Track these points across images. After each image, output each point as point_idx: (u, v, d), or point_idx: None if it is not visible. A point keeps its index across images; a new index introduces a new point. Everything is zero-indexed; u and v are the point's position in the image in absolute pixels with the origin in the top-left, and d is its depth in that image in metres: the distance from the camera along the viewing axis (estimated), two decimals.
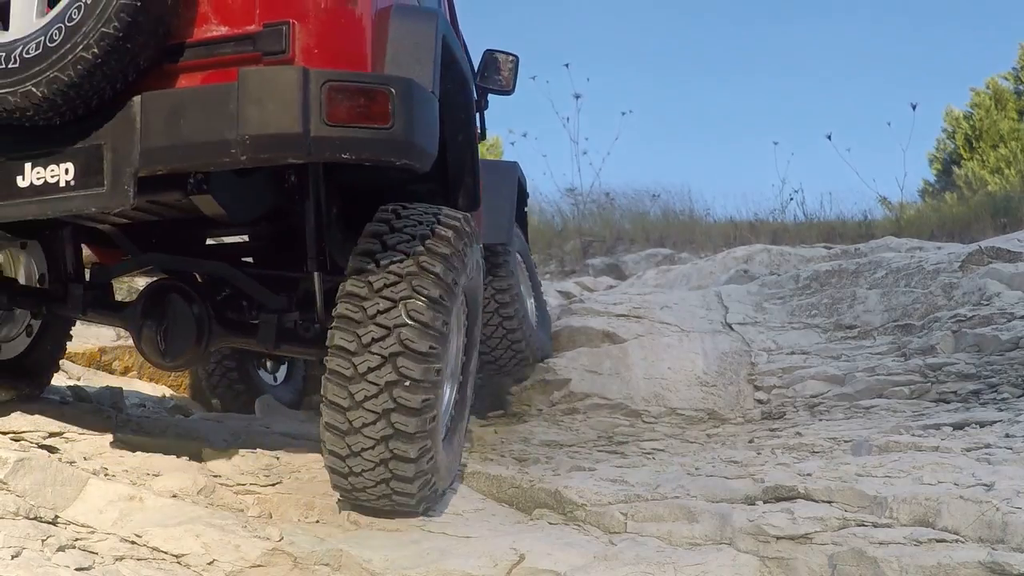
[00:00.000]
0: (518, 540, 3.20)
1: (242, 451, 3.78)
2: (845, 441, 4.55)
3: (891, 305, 6.58)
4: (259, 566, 2.90)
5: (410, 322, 2.87)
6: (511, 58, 4.93)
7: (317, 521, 3.28)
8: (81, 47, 2.54)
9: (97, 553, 2.77)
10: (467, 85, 3.60)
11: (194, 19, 2.75)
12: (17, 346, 3.82)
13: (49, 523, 2.88)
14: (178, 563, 2.85)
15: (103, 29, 2.54)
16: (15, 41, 2.60)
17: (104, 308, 3.73)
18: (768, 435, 4.99)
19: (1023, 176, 14.39)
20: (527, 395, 5.97)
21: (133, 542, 2.90)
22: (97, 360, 5.72)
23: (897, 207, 13.33)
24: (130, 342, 5.78)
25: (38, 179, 2.70)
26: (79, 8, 2.53)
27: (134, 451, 3.55)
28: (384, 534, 3.21)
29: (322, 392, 3.00)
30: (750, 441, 4.90)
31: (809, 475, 3.66)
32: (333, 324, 2.94)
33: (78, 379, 5.32)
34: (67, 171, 2.68)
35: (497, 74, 4.94)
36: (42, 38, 2.57)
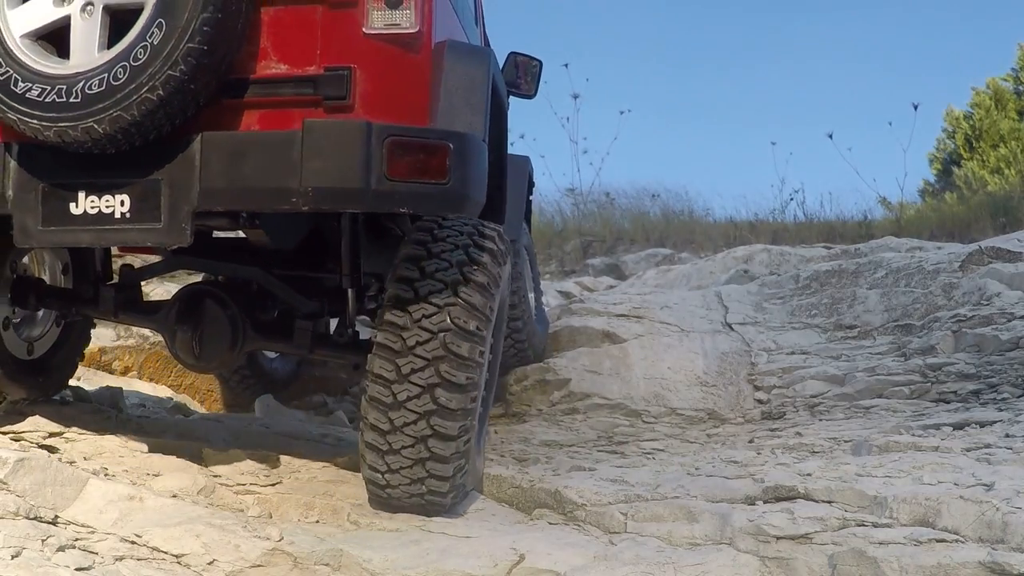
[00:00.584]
0: (518, 540, 3.20)
1: (242, 451, 3.78)
2: (845, 441, 4.55)
3: (891, 305, 6.58)
4: (259, 566, 2.90)
5: (448, 355, 2.94)
6: (535, 63, 4.93)
7: (317, 521, 3.28)
8: (146, 88, 2.58)
9: (97, 553, 2.77)
10: (503, 111, 3.66)
11: (255, 56, 2.79)
12: (43, 346, 3.85)
13: (49, 523, 2.88)
14: (178, 563, 2.85)
15: (169, 72, 2.59)
16: (77, 75, 2.65)
17: (135, 310, 3.73)
18: (768, 435, 4.99)
19: (1023, 176, 14.39)
20: (527, 395, 5.97)
21: (133, 542, 2.90)
22: (97, 360, 5.72)
23: (897, 207, 13.34)
24: (130, 342, 5.82)
25: (92, 208, 2.74)
26: (145, 48, 2.58)
27: (134, 451, 3.55)
28: (384, 534, 3.21)
29: (362, 412, 3.08)
30: (750, 441, 4.90)
31: (809, 475, 3.66)
32: (373, 351, 3.01)
33: (78, 379, 5.32)
34: (123, 203, 2.73)
35: (520, 77, 4.94)
36: (106, 75, 2.61)
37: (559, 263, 11.73)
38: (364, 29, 2.79)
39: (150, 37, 2.60)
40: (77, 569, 2.61)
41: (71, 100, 2.62)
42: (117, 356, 5.83)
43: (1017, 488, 3.22)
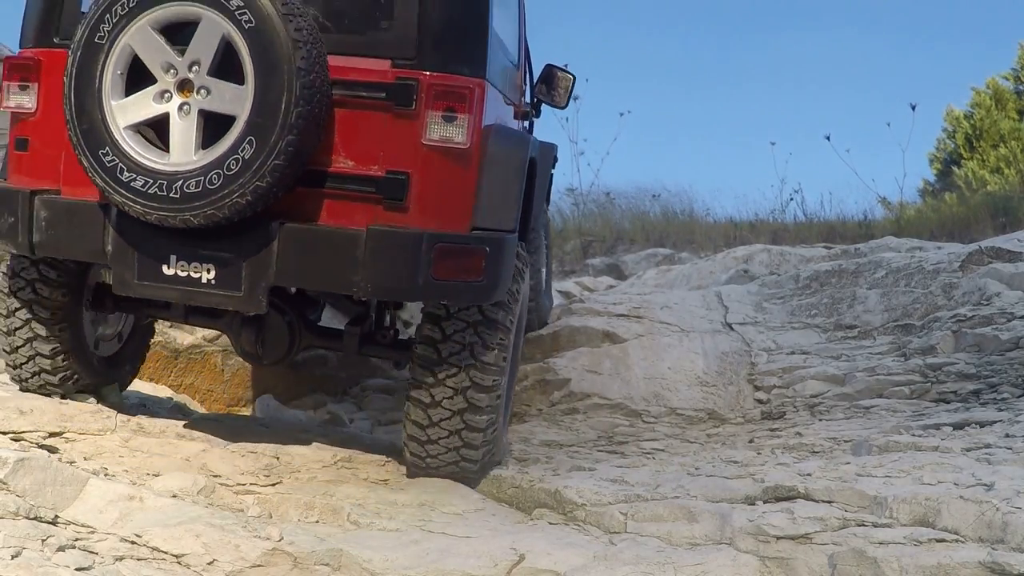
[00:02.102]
0: (518, 540, 3.20)
1: (242, 451, 3.78)
2: (845, 441, 4.55)
3: (891, 305, 6.58)
4: (259, 566, 2.91)
5: (473, 385, 3.46)
6: (569, 77, 5.14)
7: (317, 521, 3.28)
8: (236, 194, 3.05)
9: (97, 553, 2.77)
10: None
11: (328, 151, 3.22)
12: (113, 346, 4.24)
13: (49, 523, 2.88)
14: (178, 563, 2.85)
15: (257, 183, 3.06)
16: (176, 173, 3.10)
17: (204, 314, 4.01)
18: (768, 435, 4.99)
19: (1023, 176, 14.39)
20: (527, 395, 5.97)
21: (133, 542, 2.90)
22: None
23: (897, 207, 13.32)
24: None
25: (182, 272, 3.24)
26: (236, 161, 3.04)
27: (134, 451, 3.55)
28: (384, 534, 3.22)
29: (405, 411, 3.59)
30: (750, 441, 4.90)
31: (809, 475, 3.66)
32: (410, 378, 3.56)
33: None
34: (208, 271, 3.22)
35: (553, 89, 5.12)
36: (202, 178, 3.07)
37: (559, 263, 11.72)
38: (423, 139, 3.21)
39: (241, 151, 3.05)
40: (77, 569, 2.61)
41: (171, 195, 3.08)
42: None
43: (1017, 488, 3.22)
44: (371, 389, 6.38)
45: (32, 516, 2.87)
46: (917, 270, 6.87)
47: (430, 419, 3.51)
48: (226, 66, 3.11)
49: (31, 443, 3.40)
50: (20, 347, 3.83)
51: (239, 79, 3.09)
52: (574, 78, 5.21)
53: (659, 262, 10.92)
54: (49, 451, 3.32)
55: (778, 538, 3.16)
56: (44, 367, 3.85)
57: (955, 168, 16.53)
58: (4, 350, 3.94)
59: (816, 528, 3.18)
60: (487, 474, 3.80)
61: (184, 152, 3.12)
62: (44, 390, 3.90)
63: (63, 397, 3.92)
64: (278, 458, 3.77)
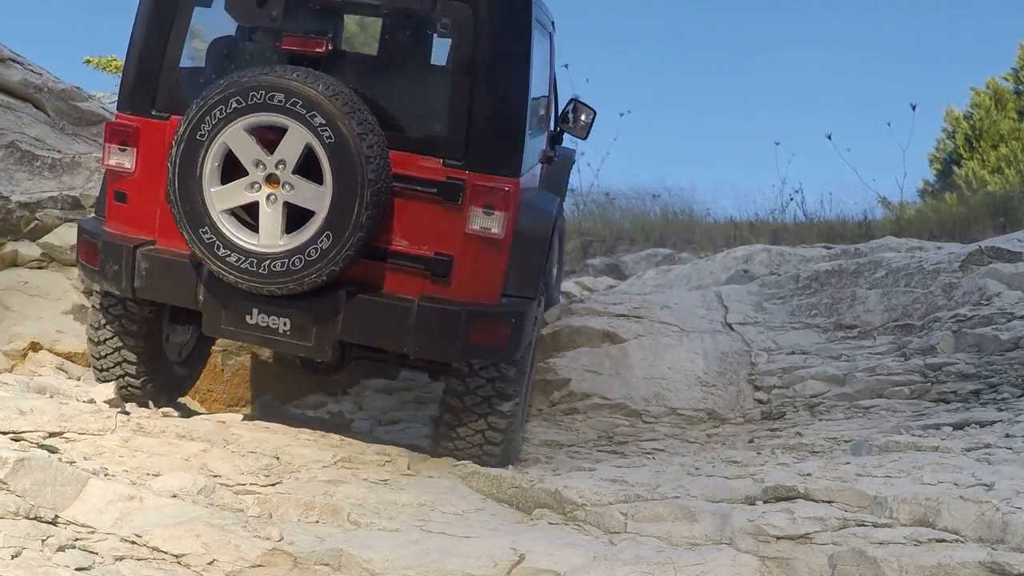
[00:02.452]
0: (518, 540, 3.20)
1: (242, 451, 3.78)
2: (845, 441, 4.55)
3: (891, 305, 6.58)
4: (259, 566, 2.91)
5: (490, 427, 4.11)
6: (591, 111, 5.59)
7: (317, 521, 3.28)
8: (314, 275, 3.66)
9: (97, 553, 2.77)
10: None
11: (388, 231, 3.79)
12: (185, 351, 4.81)
13: (49, 523, 2.88)
14: (178, 563, 2.86)
15: (332, 267, 3.65)
16: (264, 253, 3.67)
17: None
18: (768, 435, 5.00)
19: (1023, 176, 14.38)
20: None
21: (133, 542, 2.90)
22: None
23: (897, 207, 13.32)
24: None
25: (262, 322, 3.85)
26: (315, 250, 3.62)
27: (134, 451, 3.55)
28: (384, 534, 3.22)
29: (440, 407, 4.27)
30: (750, 441, 4.90)
31: (809, 475, 3.66)
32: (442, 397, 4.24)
33: (78, 379, 5.32)
34: (285, 324, 3.84)
35: (576, 120, 5.57)
36: (286, 260, 3.65)
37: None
38: (466, 229, 3.78)
39: (320, 243, 3.62)
40: (77, 569, 2.61)
41: (259, 272, 3.66)
42: None
43: (1017, 488, 3.22)
44: (371, 389, 6.39)
45: (32, 516, 2.87)
46: (917, 270, 6.87)
47: (458, 435, 4.17)
48: (307, 166, 3.63)
49: (31, 443, 3.40)
50: (108, 355, 4.37)
51: (318, 180, 3.62)
52: (595, 113, 5.62)
53: (659, 262, 10.93)
54: (49, 451, 3.32)
55: (778, 538, 3.16)
56: (129, 372, 4.38)
57: (955, 168, 16.53)
58: (92, 356, 4.46)
59: (816, 528, 3.18)
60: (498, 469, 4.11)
61: (271, 236, 3.67)
62: (125, 392, 4.39)
63: (142, 401, 4.38)
64: (278, 458, 3.77)
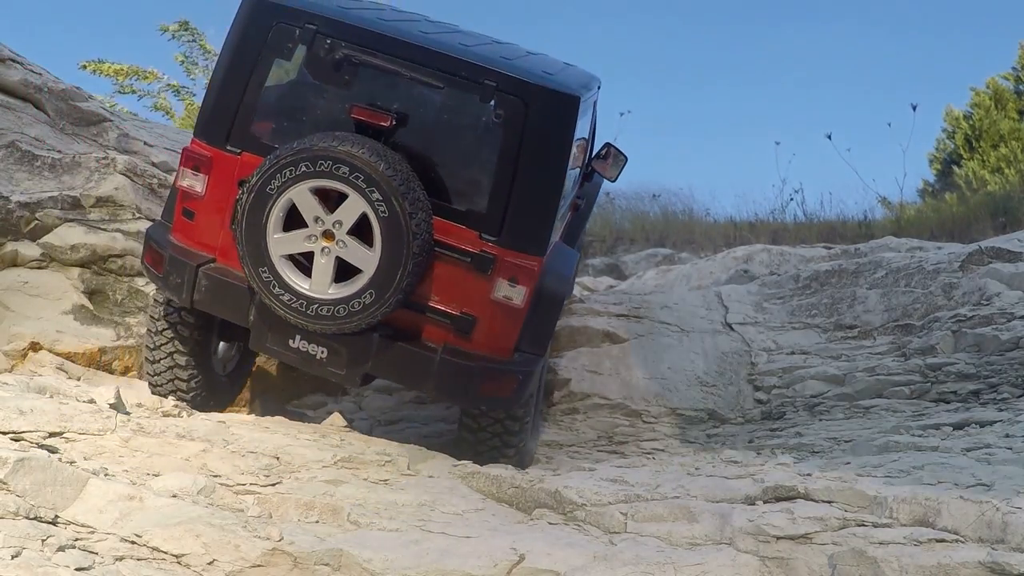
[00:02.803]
0: (518, 540, 3.20)
1: (242, 451, 3.78)
2: (845, 441, 4.55)
3: (891, 305, 6.58)
4: (259, 566, 2.91)
5: (504, 448, 4.58)
6: (623, 157, 5.94)
7: (317, 521, 3.28)
8: (355, 323, 4.10)
9: (97, 553, 2.77)
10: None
11: (423, 287, 4.21)
12: (231, 366, 5.20)
13: (49, 523, 2.88)
14: (178, 563, 2.86)
15: (370, 319, 4.09)
16: (313, 298, 4.10)
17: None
18: (768, 435, 5.00)
19: (1023, 176, 14.38)
20: None
21: (133, 542, 2.90)
22: (97, 360, 5.72)
23: (897, 207, 13.32)
24: (130, 342, 5.85)
25: (302, 348, 4.32)
26: (359, 303, 4.05)
27: (134, 451, 3.54)
28: (384, 534, 3.22)
29: (459, 429, 4.75)
30: (750, 441, 4.91)
31: (809, 475, 3.66)
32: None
33: (78, 379, 5.32)
34: (322, 352, 4.30)
35: (607, 163, 5.93)
36: (332, 308, 4.08)
37: None
38: (491, 296, 4.22)
39: (363, 298, 4.04)
40: (77, 569, 2.62)
41: (308, 313, 4.09)
42: (117, 356, 5.83)
43: (1017, 488, 3.22)
44: (371, 389, 6.39)
45: (32, 516, 2.87)
46: (917, 270, 6.87)
47: (477, 451, 4.60)
48: (361, 229, 4.04)
49: (31, 443, 3.39)
50: (162, 359, 4.79)
51: (369, 243, 4.03)
52: (626, 159, 5.96)
53: (659, 262, 10.93)
54: (49, 451, 3.31)
55: (778, 538, 3.16)
56: (180, 376, 4.79)
57: (955, 168, 16.52)
58: (147, 360, 4.87)
59: (816, 528, 3.18)
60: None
61: (321, 284, 4.10)
62: (176, 395, 4.80)
63: (190, 408, 4.65)
64: (278, 458, 3.77)
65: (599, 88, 5.67)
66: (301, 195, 4.05)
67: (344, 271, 4.11)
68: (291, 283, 4.12)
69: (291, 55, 4.40)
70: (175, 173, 4.51)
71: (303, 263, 4.16)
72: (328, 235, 4.08)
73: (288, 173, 4.02)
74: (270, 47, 4.32)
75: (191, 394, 4.83)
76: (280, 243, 4.12)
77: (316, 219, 4.07)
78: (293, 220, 4.11)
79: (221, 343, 5.06)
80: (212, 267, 4.40)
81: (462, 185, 4.32)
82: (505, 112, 4.18)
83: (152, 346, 4.81)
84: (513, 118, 4.18)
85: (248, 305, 4.34)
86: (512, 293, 4.21)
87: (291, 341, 4.32)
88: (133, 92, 13.96)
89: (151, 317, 4.83)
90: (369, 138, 4.09)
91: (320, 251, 4.10)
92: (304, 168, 4.00)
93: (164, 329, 4.75)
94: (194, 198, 4.41)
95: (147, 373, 4.93)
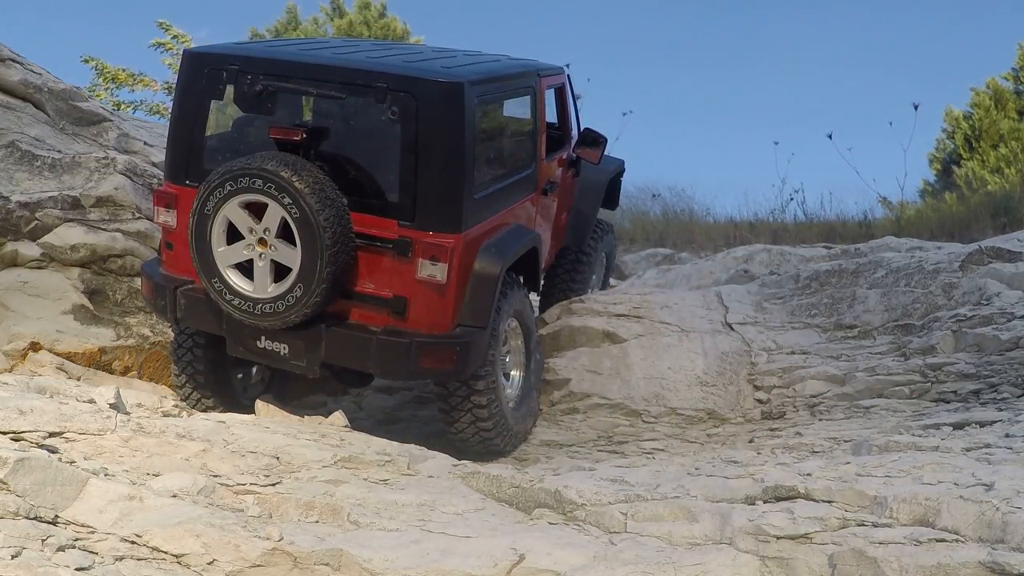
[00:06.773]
0: (518, 540, 3.20)
1: (242, 451, 3.78)
2: (845, 441, 4.55)
3: (891, 305, 6.58)
4: (259, 566, 2.91)
5: (476, 417, 5.03)
6: (601, 138, 6.44)
7: (317, 521, 3.28)
8: (293, 315, 4.60)
9: (97, 553, 2.77)
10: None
11: (356, 278, 4.68)
12: (248, 391, 5.70)
13: (49, 523, 2.88)
14: (178, 563, 2.86)
15: (304, 310, 4.56)
16: (257, 299, 4.64)
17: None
18: (768, 435, 5.00)
19: (1023, 176, 14.39)
20: None
21: (133, 542, 2.90)
22: (97, 360, 5.72)
23: (897, 207, 13.32)
24: (130, 342, 5.86)
25: (268, 347, 4.87)
26: (292, 297, 4.55)
27: (134, 451, 3.55)
28: (384, 534, 3.22)
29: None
30: (750, 441, 4.90)
31: (809, 475, 3.66)
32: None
33: (78, 379, 5.32)
34: (284, 348, 4.84)
35: (589, 147, 6.45)
36: (272, 304, 4.60)
37: None
38: (416, 276, 4.60)
39: (295, 291, 4.54)
40: (77, 569, 2.62)
41: (255, 312, 4.65)
42: (117, 356, 5.84)
43: (1017, 488, 3.22)
44: (371, 389, 6.39)
45: (32, 516, 2.87)
46: (917, 270, 6.87)
47: (454, 429, 5.09)
48: (287, 232, 4.53)
49: (31, 443, 3.40)
50: (184, 369, 5.42)
51: (293, 243, 4.52)
52: (605, 140, 6.44)
53: (659, 262, 10.93)
54: (49, 451, 3.32)
55: (778, 538, 3.16)
56: (199, 382, 5.42)
57: (955, 168, 16.53)
58: (174, 373, 5.48)
59: (816, 528, 3.18)
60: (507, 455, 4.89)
61: (261, 286, 4.63)
62: (200, 405, 5.40)
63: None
64: (278, 458, 3.77)
65: (558, 75, 6.34)
66: (233, 210, 4.58)
67: (280, 271, 4.61)
68: (239, 288, 4.66)
69: (223, 94, 4.96)
70: (152, 212, 5.24)
71: (249, 269, 4.66)
72: (262, 242, 4.60)
73: (218, 193, 4.57)
74: (207, 92, 4.91)
75: (212, 404, 5.41)
76: (224, 255, 4.65)
77: (250, 230, 4.59)
78: (234, 233, 4.63)
79: (241, 370, 5.64)
80: (189, 288, 4.98)
81: (376, 180, 4.77)
82: (399, 108, 4.60)
83: (175, 358, 5.44)
84: (406, 112, 4.60)
85: (219, 316, 4.85)
86: (435, 271, 4.59)
87: (258, 342, 4.86)
88: (131, 107, 14.28)
89: (175, 334, 5.45)
90: (282, 152, 4.60)
91: (258, 257, 4.63)
92: (229, 187, 4.54)
93: (182, 344, 5.38)
94: (170, 231, 5.05)
95: (175, 388, 5.57)
